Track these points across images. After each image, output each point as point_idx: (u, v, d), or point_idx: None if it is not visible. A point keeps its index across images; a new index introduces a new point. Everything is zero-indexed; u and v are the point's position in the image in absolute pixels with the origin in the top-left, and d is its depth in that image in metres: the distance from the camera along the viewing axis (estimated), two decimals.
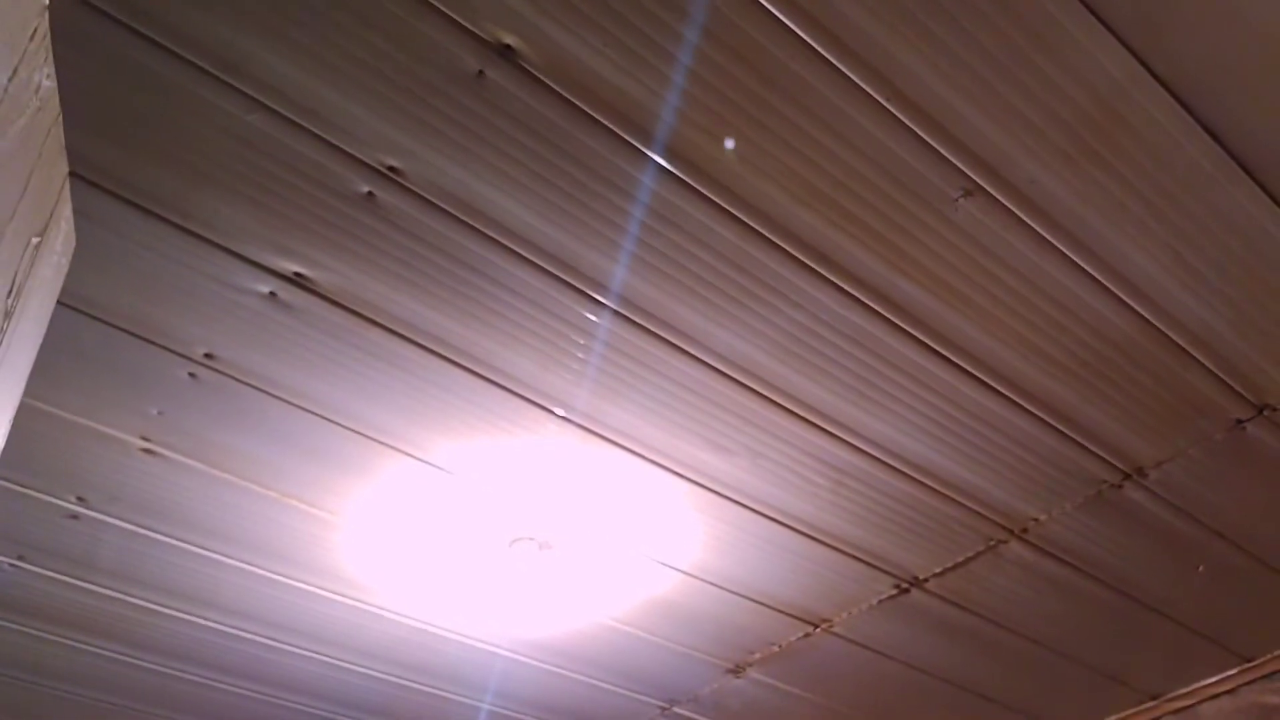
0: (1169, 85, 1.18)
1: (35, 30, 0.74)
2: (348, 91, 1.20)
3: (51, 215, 0.87)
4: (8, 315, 0.77)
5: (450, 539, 1.88)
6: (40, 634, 2.13)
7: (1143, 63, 1.16)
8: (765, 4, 1.11)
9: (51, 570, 1.95)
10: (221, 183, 1.29)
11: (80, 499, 1.77)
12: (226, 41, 1.14)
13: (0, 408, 0.86)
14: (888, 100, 1.20)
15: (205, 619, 2.10)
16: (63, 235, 0.94)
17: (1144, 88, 1.18)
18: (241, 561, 1.95)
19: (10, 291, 0.77)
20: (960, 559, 1.89)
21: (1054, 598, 1.98)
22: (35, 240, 0.82)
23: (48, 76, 0.80)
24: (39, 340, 0.95)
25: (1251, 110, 1.20)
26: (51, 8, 1.02)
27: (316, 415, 1.62)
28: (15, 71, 0.70)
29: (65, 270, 0.97)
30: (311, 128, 1.23)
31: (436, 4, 1.12)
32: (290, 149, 1.25)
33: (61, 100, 1.13)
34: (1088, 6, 1.10)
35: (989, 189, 1.29)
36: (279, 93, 1.20)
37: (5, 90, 0.68)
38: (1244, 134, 1.23)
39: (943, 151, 1.25)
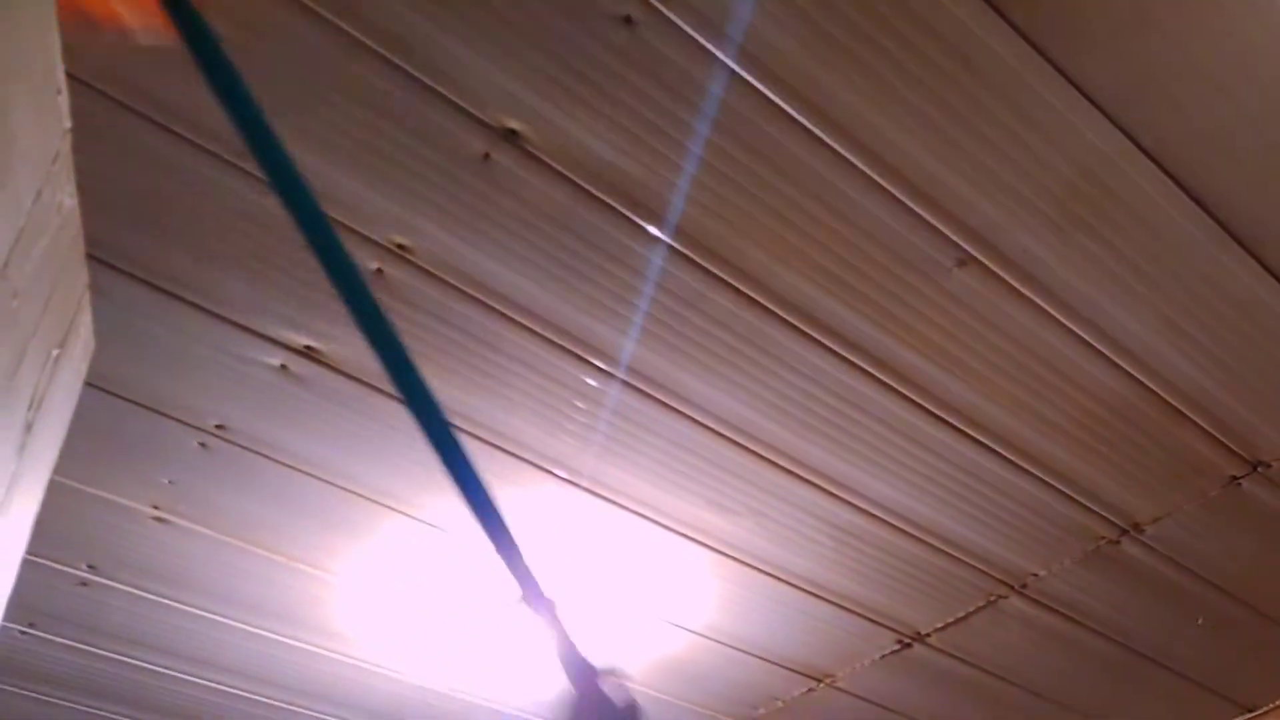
0: (1156, 158, 1.22)
1: (58, 153, 0.77)
2: (356, 173, 1.23)
3: (71, 325, 0.90)
4: (28, 428, 0.80)
5: (455, 599, 1.89)
6: (50, 699, 2.13)
7: (1130, 138, 1.19)
8: (767, 92, 1.15)
9: (61, 636, 1.96)
10: (234, 261, 1.32)
11: (91, 566, 1.79)
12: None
13: (19, 514, 0.88)
14: (881, 176, 1.23)
15: (211, 680, 2.11)
16: (82, 342, 0.97)
17: (1132, 161, 1.22)
18: (247, 624, 1.96)
19: (31, 405, 0.80)
20: (961, 614, 1.90)
21: (1055, 651, 2.00)
22: (55, 352, 0.85)
23: (69, 195, 0.83)
24: (58, 446, 0.97)
25: (1239, 181, 1.24)
26: (72, 99, 1.05)
27: (323, 481, 1.64)
28: (39, 195, 0.73)
29: (84, 375, 1.00)
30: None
31: (443, 91, 1.15)
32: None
33: (79, 186, 1.16)
34: (1074, 85, 1.14)
35: (982, 259, 1.32)
36: None
37: (29, 214, 0.71)
38: (1232, 203, 1.26)
39: (936, 224, 1.28)
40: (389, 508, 1.69)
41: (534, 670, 2.09)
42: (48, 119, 0.76)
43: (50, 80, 0.76)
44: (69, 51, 1.00)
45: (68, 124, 0.81)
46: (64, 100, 0.81)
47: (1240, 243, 1.30)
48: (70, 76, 1.05)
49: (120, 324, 1.37)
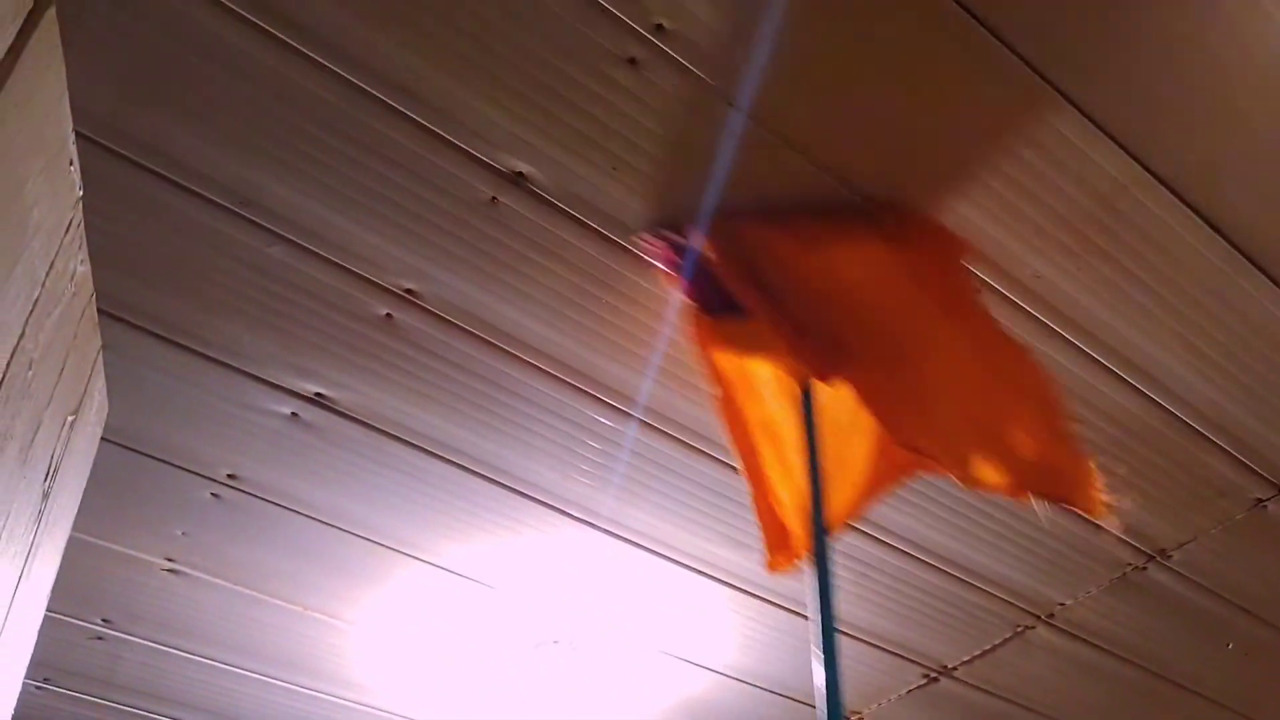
0: (1169, 183, 1.20)
1: (71, 221, 0.77)
2: (363, 220, 1.23)
3: (86, 389, 0.90)
4: (46, 496, 0.79)
5: (474, 645, 1.87)
6: None
7: (1142, 164, 1.18)
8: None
9: (77, 691, 1.95)
10: (243, 311, 1.31)
11: (105, 620, 1.78)
12: (244, 179, 1.18)
13: (40, 577, 0.88)
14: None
15: None
16: (96, 406, 0.96)
17: (1144, 187, 1.20)
18: (263, 675, 1.94)
19: (48, 474, 0.79)
20: (988, 646, 1.88)
21: (1084, 680, 1.96)
22: (70, 418, 0.85)
23: (81, 262, 0.83)
24: (76, 507, 0.97)
25: (1253, 204, 1.22)
26: (80, 157, 1.05)
27: (337, 528, 1.63)
28: (52, 265, 0.73)
29: (99, 438, 1.00)
30: (330, 256, 1.26)
31: (449, 137, 1.15)
32: (309, 276, 1.28)
33: (89, 242, 1.16)
34: (1087, 115, 1.13)
35: (994, 284, 1.31)
36: (296, 224, 1.23)
37: (43, 286, 0.70)
38: (1247, 227, 1.25)
39: None
40: (403, 553, 1.67)
41: (559, 716, 2.07)
42: (61, 189, 0.75)
43: (63, 152, 0.76)
44: (75, 110, 1.00)
45: (80, 192, 0.81)
46: (76, 170, 0.81)
47: (1257, 265, 1.29)
48: (78, 134, 1.05)
49: (131, 377, 1.36)
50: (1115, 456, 1.52)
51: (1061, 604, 1.78)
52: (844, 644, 1.86)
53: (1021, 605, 1.79)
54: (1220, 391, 1.43)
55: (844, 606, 1.78)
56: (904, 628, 1.83)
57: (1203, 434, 1.49)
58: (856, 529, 1.63)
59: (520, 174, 1.19)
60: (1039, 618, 1.81)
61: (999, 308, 1.32)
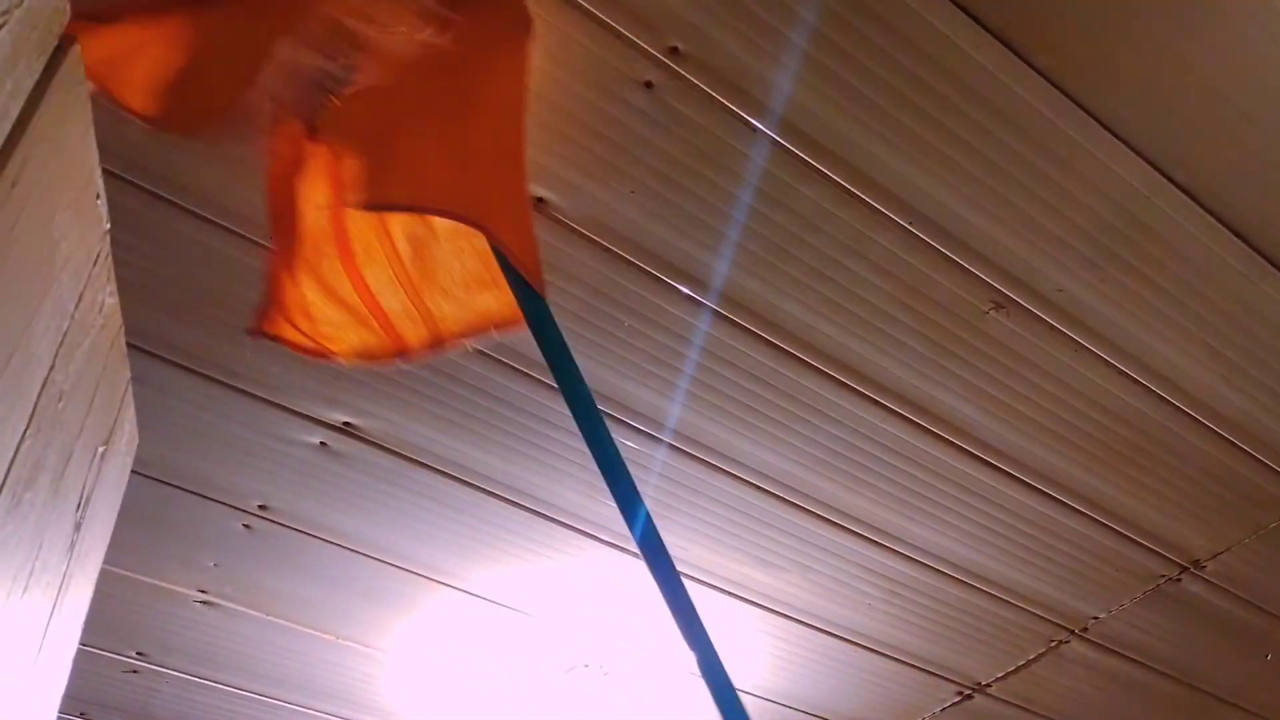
0: (1189, 191, 1.20)
1: (99, 254, 0.79)
2: None
3: (116, 420, 0.91)
4: (78, 528, 0.81)
5: (505, 670, 1.87)
6: None
7: (1162, 172, 1.18)
8: (795, 149, 1.15)
9: None
10: (269, 342, 1.33)
11: (140, 653, 1.79)
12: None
13: (72, 610, 0.89)
14: (914, 226, 1.23)
15: None
16: (126, 437, 0.98)
17: (1165, 195, 1.20)
18: (296, 705, 1.95)
19: (79, 505, 0.80)
20: (1022, 661, 1.86)
21: (1121, 694, 1.94)
22: (101, 449, 0.86)
23: (110, 294, 0.84)
24: (107, 539, 0.98)
25: (1273, 207, 1.22)
26: (107, 189, 1.07)
27: (367, 556, 1.64)
28: (81, 298, 0.74)
29: (129, 467, 1.01)
30: None
31: None
32: None
33: (117, 277, 1.18)
34: (1103, 125, 1.14)
35: (1019, 300, 1.31)
36: None
37: (72, 318, 0.72)
38: (1267, 230, 1.24)
39: (970, 268, 1.27)
40: (433, 580, 1.68)
41: None
42: (89, 223, 0.77)
43: (90, 185, 0.78)
44: (101, 145, 1.02)
45: (107, 225, 0.83)
46: (103, 204, 0.83)
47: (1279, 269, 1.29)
48: (104, 169, 1.07)
49: (160, 410, 1.38)
50: (1145, 468, 1.51)
51: (1095, 618, 1.77)
52: (874, 662, 1.85)
53: (1055, 620, 1.77)
54: (1249, 399, 1.42)
55: (874, 625, 1.77)
56: (937, 645, 1.82)
57: (1232, 441, 1.48)
58: (883, 546, 1.62)
59: (540, 199, 1.20)
60: (1073, 632, 1.79)
61: (1024, 322, 1.32)
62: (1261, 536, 1.62)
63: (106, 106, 0.97)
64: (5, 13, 0.59)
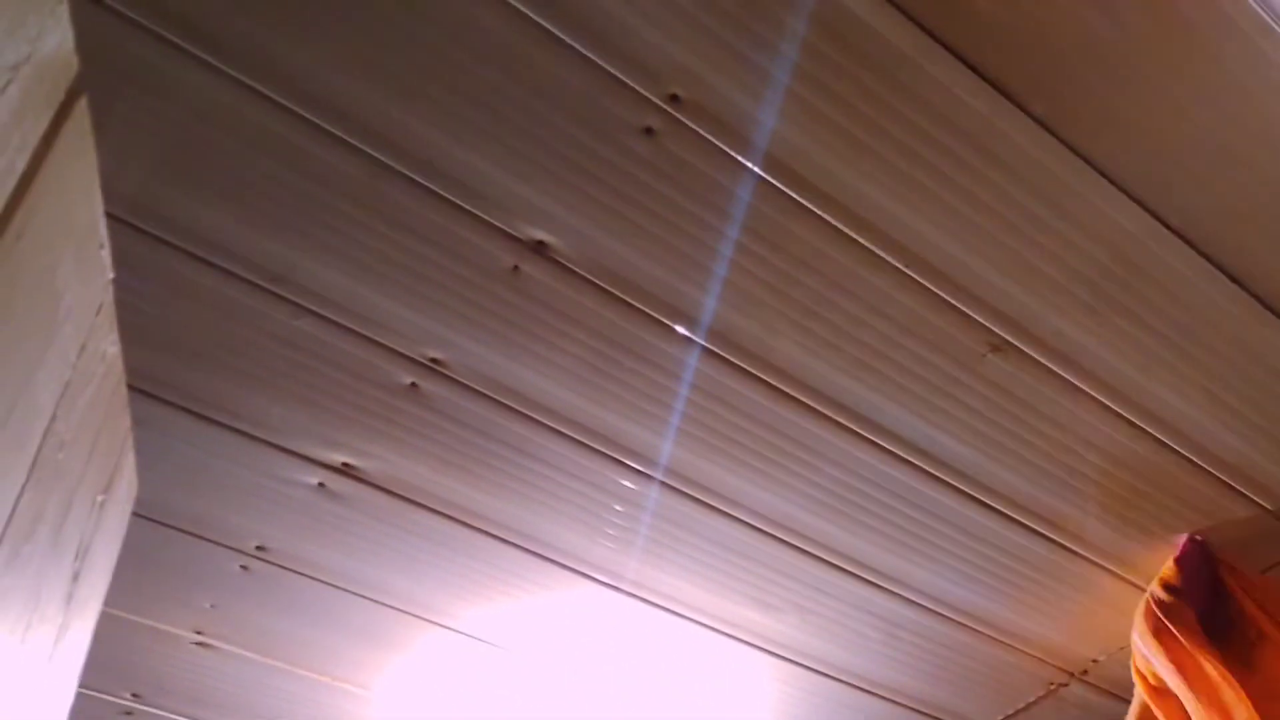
0: (1184, 236, 1.21)
1: (102, 304, 0.79)
2: (388, 291, 1.25)
3: (116, 468, 0.91)
4: (74, 578, 0.81)
5: (497, 710, 1.86)
6: None
7: (1157, 218, 1.19)
8: (791, 192, 1.16)
9: None
10: (270, 383, 1.33)
11: (135, 695, 1.78)
12: (272, 255, 1.20)
13: (68, 659, 0.88)
14: (909, 268, 1.23)
15: None
16: (125, 484, 0.98)
17: (1160, 240, 1.21)
18: None
19: (77, 555, 0.80)
20: (1021, 705, 1.85)
21: None
22: (101, 498, 0.86)
23: (111, 344, 0.85)
24: (105, 587, 0.98)
25: (1270, 251, 1.23)
26: (111, 234, 1.08)
27: (365, 598, 1.63)
28: (83, 348, 0.75)
29: (129, 515, 1.01)
30: (355, 327, 1.28)
31: (470, 209, 1.17)
32: (335, 348, 1.30)
33: (119, 319, 1.18)
34: (1098, 170, 1.14)
35: (1016, 343, 1.31)
36: (322, 298, 1.25)
37: (74, 367, 0.72)
38: (1265, 274, 1.25)
39: (967, 311, 1.28)
40: (432, 622, 1.67)
41: None
42: (92, 273, 0.78)
43: (94, 235, 0.78)
44: (105, 191, 1.03)
45: (110, 274, 0.83)
46: (106, 253, 0.83)
47: (1276, 313, 1.29)
48: (108, 215, 1.08)
49: (161, 452, 1.38)
50: (1145, 510, 1.51)
51: (1095, 660, 1.76)
52: (872, 705, 1.84)
53: (1054, 663, 1.76)
54: (1248, 443, 1.42)
55: (873, 668, 1.77)
56: (935, 688, 1.81)
57: (1232, 485, 1.48)
58: (882, 588, 1.62)
59: (541, 242, 1.21)
60: (1072, 674, 1.79)
61: (1022, 365, 1.33)
62: (1264, 573, 1.62)
63: (108, 149, 0.98)
64: (14, 68, 0.60)
